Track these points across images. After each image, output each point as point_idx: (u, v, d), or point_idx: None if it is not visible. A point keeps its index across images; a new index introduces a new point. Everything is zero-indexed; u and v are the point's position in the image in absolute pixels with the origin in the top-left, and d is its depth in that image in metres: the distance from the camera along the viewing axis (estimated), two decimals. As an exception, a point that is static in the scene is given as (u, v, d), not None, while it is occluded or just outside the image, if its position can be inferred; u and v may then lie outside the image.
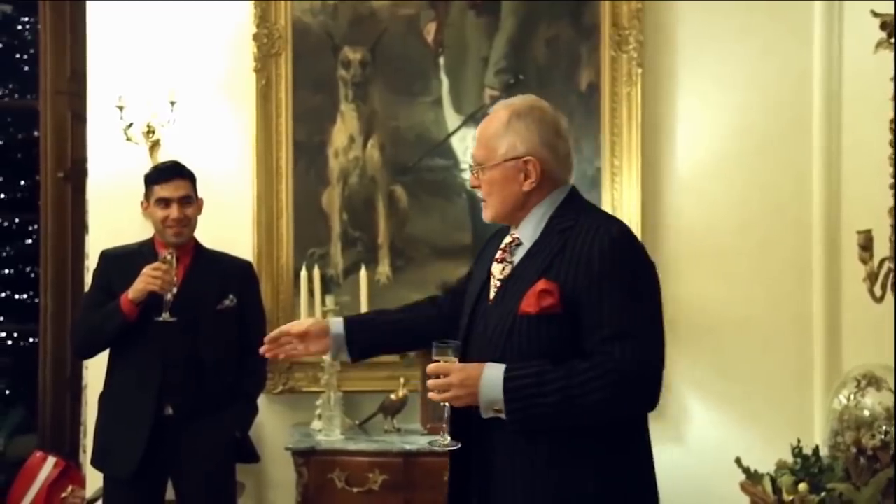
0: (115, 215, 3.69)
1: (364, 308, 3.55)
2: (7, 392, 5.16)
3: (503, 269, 2.02)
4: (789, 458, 3.05)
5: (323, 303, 3.65)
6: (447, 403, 1.92)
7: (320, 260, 3.76)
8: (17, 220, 6.69)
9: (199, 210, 3.18)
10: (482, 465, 1.98)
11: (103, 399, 3.20)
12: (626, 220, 3.65)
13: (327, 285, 3.73)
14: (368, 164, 3.81)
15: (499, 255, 2.05)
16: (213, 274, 3.18)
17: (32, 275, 5.74)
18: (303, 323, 2.25)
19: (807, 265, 3.79)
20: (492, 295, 2.02)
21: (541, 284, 1.90)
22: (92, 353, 3.30)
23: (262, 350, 2.24)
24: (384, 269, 3.79)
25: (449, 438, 1.96)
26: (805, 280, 3.79)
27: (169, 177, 3.11)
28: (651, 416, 3.78)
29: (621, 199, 3.77)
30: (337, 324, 2.24)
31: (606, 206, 3.76)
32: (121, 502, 3.12)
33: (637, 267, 1.95)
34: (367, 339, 2.24)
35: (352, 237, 3.81)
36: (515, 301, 1.93)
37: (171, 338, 3.02)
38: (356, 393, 3.65)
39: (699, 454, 3.78)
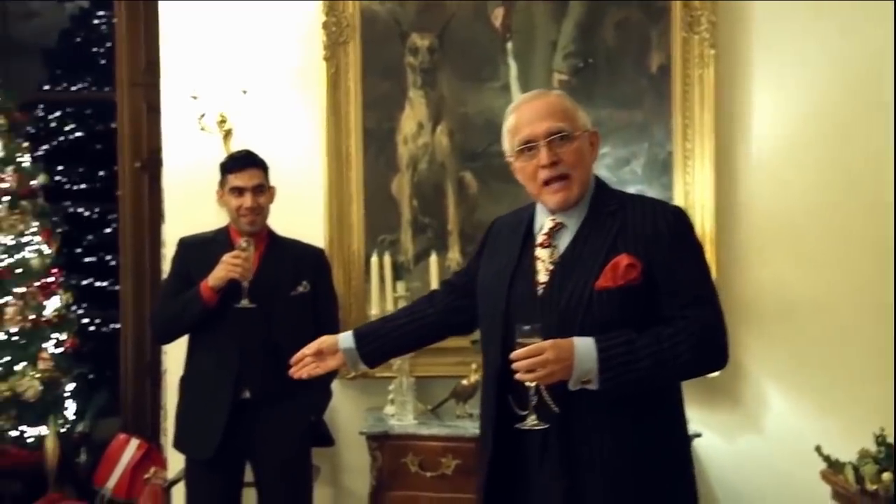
0: (190, 204, 3.77)
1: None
2: (91, 376, 5.31)
3: (551, 252, 2.10)
4: (872, 447, 2.98)
5: (394, 289, 3.67)
6: (534, 383, 1.98)
7: (391, 246, 3.79)
8: (97, 209, 6.89)
9: (271, 198, 3.23)
10: (564, 439, 2.04)
11: (183, 383, 3.27)
12: (698, 205, 3.69)
13: (398, 271, 3.75)
14: (437, 150, 3.82)
15: (542, 240, 2.12)
16: (287, 261, 3.23)
17: (112, 263, 5.89)
18: (312, 345, 2.37)
19: (887, 250, 3.68)
20: (542, 278, 2.09)
21: (625, 259, 2.01)
22: (171, 339, 3.39)
23: (290, 372, 2.38)
24: (454, 255, 3.80)
25: (536, 419, 2.01)
26: (885, 265, 3.68)
27: (242, 166, 3.16)
28: (728, 404, 3.74)
29: (693, 184, 3.71)
30: (346, 338, 2.37)
31: (678, 191, 3.71)
32: (201, 484, 3.19)
33: (697, 239, 2.14)
34: (376, 348, 2.38)
35: (422, 223, 3.82)
36: (585, 279, 2.03)
37: (248, 323, 3.08)
38: (428, 378, 3.67)
39: (778, 443, 3.72)
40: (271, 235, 3.27)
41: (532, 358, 1.93)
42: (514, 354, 1.96)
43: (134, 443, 4.61)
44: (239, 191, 3.14)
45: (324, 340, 2.37)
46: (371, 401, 3.75)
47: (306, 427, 3.25)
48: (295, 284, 3.21)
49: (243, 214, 3.15)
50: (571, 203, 2.10)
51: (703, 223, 3.66)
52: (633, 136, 3.75)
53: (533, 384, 1.97)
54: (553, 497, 2.05)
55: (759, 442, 3.74)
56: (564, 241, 2.10)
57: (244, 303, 3.02)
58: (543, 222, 2.15)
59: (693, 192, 3.70)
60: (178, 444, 3.26)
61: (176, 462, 3.54)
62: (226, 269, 3.02)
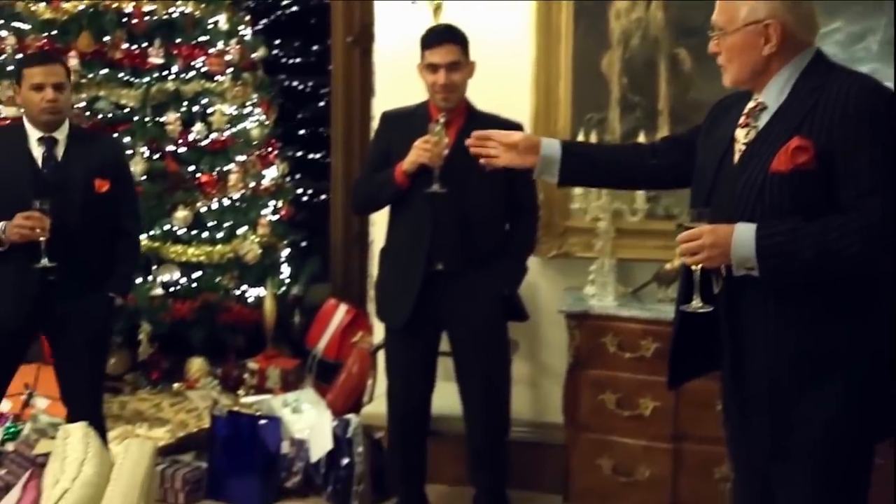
0: (399, 78, 3.80)
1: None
2: (304, 244, 5.60)
3: (747, 132, 2.03)
4: None
5: (599, 169, 3.60)
6: (699, 267, 2.00)
7: (598, 125, 3.69)
8: (310, 83, 7.11)
9: (469, 74, 3.19)
10: (732, 324, 2.06)
11: (383, 254, 3.39)
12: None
13: (604, 151, 3.66)
14: (651, 25, 3.64)
15: (742, 119, 2.06)
16: (485, 135, 3.21)
17: (324, 135, 6.10)
18: (514, 135, 2.32)
19: None
20: (736, 158, 2.04)
21: (794, 142, 1.91)
22: (367, 213, 3.70)
23: (466, 142, 2.36)
24: (664, 135, 3.64)
25: (701, 302, 2.04)
26: None
27: (439, 42, 3.14)
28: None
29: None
30: (551, 145, 2.29)
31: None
32: (398, 350, 3.33)
33: (894, 121, 1.92)
34: (577, 168, 2.32)
35: (631, 102, 3.70)
36: (764, 161, 1.95)
37: (442, 200, 3.10)
38: (630, 261, 3.61)
39: None
40: (469, 110, 3.25)
41: (691, 242, 1.94)
42: (677, 238, 1.98)
43: (343, 308, 4.84)
44: (433, 67, 3.13)
45: (527, 137, 2.35)
46: (570, 280, 3.74)
47: (496, 299, 3.27)
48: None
49: (437, 91, 3.15)
50: (730, 85, 2.09)
51: (946, 107, 3.32)
52: (869, 10, 3.42)
53: (697, 267, 1.99)
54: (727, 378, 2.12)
55: None
56: (762, 121, 2.03)
57: (435, 188, 3.04)
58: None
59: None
60: (378, 312, 3.41)
61: (382, 328, 3.70)
62: (417, 154, 3.06)
